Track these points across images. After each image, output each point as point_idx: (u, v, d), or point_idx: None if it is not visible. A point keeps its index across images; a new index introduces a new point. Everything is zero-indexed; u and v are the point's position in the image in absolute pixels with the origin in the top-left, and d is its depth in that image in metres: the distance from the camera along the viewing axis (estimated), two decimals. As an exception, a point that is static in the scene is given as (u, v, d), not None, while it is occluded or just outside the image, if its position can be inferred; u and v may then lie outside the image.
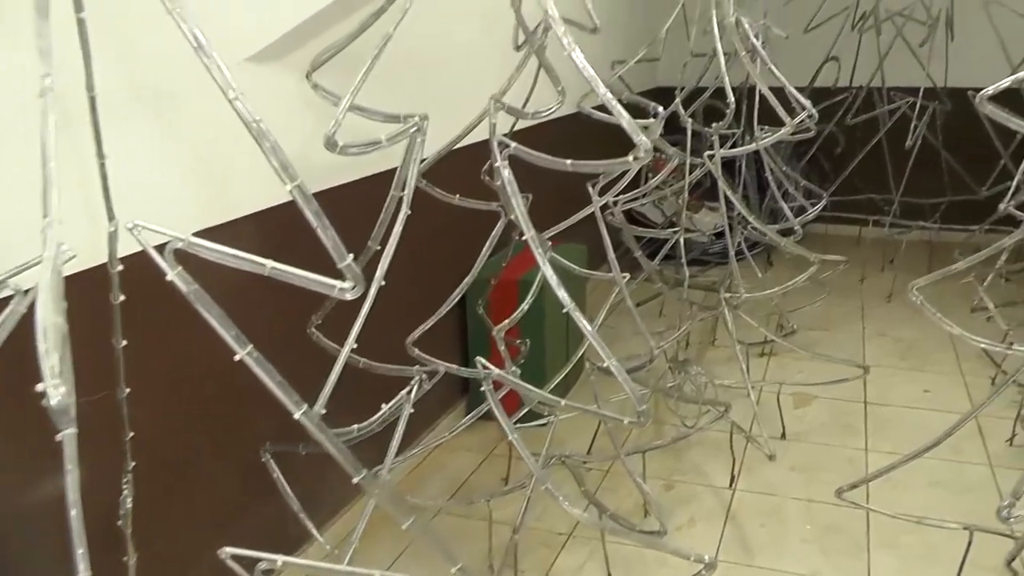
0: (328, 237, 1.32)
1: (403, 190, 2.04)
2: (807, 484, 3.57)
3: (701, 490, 3.53)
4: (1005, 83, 2.46)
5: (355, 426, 2.11)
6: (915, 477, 3.36)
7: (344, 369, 1.97)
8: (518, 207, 1.95)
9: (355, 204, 2.54)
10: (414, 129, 2.01)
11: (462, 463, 3.72)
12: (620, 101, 1.70)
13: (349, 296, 1.33)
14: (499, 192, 2.12)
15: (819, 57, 6.00)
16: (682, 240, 3.88)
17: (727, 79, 3.26)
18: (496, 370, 2.19)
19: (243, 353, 1.38)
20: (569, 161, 1.91)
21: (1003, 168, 5.59)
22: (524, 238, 1.97)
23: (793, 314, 5.03)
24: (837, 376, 4.32)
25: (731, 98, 3.26)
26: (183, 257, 1.34)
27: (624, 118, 1.62)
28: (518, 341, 3.37)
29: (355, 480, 1.52)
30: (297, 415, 1.43)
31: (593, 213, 3.16)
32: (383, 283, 1.94)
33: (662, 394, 3.97)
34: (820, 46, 5.98)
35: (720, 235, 5.44)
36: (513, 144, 2.02)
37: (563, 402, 2.17)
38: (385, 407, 2.19)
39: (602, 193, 3.10)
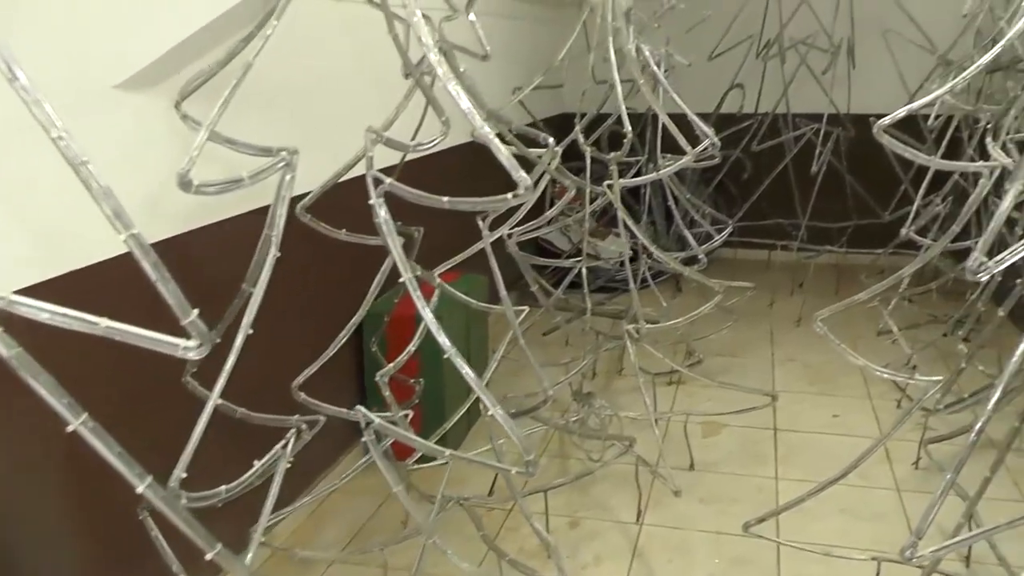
0: (169, 291, 1.20)
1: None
2: (716, 516, 3.50)
3: (607, 526, 3.44)
4: (901, 113, 2.46)
5: (223, 487, 1.97)
6: (824, 505, 3.32)
7: (224, 420, 1.84)
8: (394, 248, 1.85)
9: (245, 239, 2.41)
10: (282, 164, 1.89)
11: (360, 507, 3.56)
12: (509, 131, 1.64)
13: (193, 355, 1.21)
14: (379, 230, 2.02)
15: (724, 84, 6.06)
16: (584, 270, 3.82)
17: (623, 107, 3.21)
18: (376, 418, 2.07)
19: (76, 423, 1.24)
20: (446, 199, 1.82)
21: (904, 193, 5.66)
22: (402, 280, 1.86)
23: (701, 342, 5.00)
24: (747, 404, 4.28)
25: (628, 127, 3.21)
26: (5, 318, 1.20)
27: (502, 154, 1.54)
28: (412, 380, 3.25)
29: (208, 556, 1.39)
30: (140, 488, 1.30)
31: (496, 242, 3.09)
32: (251, 331, 1.81)
33: (565, 430, 3.89)
34: (725, 73, 6.04)
35: (630, 261, 5.40)
36: (388, 180, 1.92)
37: (447, 452, 2.06)
38: (258, 464, 2.05)
39: (499, 224, 3.01)
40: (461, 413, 3.23)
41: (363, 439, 2.14)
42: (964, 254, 4.63)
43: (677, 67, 4.71)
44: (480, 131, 1.58)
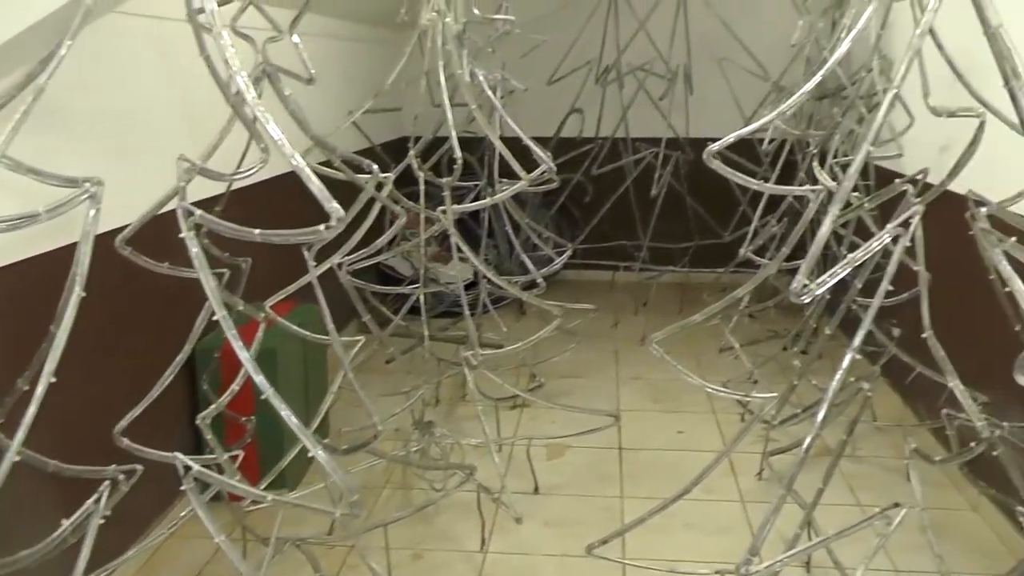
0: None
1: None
2: (562, 539, 3.49)
3: (452, 556, 3.38)
4: (729, 139, 2.51)
5: (24, 552, 1.83)
6: (671, 521, 3.35)
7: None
8: (207, 283, 1.76)
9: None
10: (85, 197, 1.77)
11: (197, 551, 3.37)
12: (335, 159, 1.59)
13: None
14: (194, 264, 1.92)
15: (564, 109, 6.13)
16: (423, 296, 3.77)
17: (454, 132, 3.19)
18: (196, 465, 1.97)
19: None
20: (257, 231, 1.74)
21: (743, 213, 5.85)
22: (216, 317, 1.78)
23: (545, 364, 5.00)
24: (591, 425, 4.30)
25: (458, 152, 3.19)
26: None
27: (314, 185, 1.49)
28: (244, 419, 3.12)
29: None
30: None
31: (329, 271, 3.01)
32: (54, 379, 1.69)
33: (404, 462, 3.82)
34: (565, 98, 6.10)
35: (471, 286, 5.37)
36: (198, 212, 1.83)
37: (270, 497, 1.98)
38: (66, 522, 1.92)
39: (331, 253, 2.94)
40: (294, 453, 3.10)
41: (182, 487, 2.02)
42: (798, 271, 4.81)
43: (516, 92, 4.73)
44: (290, 160, 1.52)
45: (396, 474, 3.88)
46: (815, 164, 3.51)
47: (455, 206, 3.52)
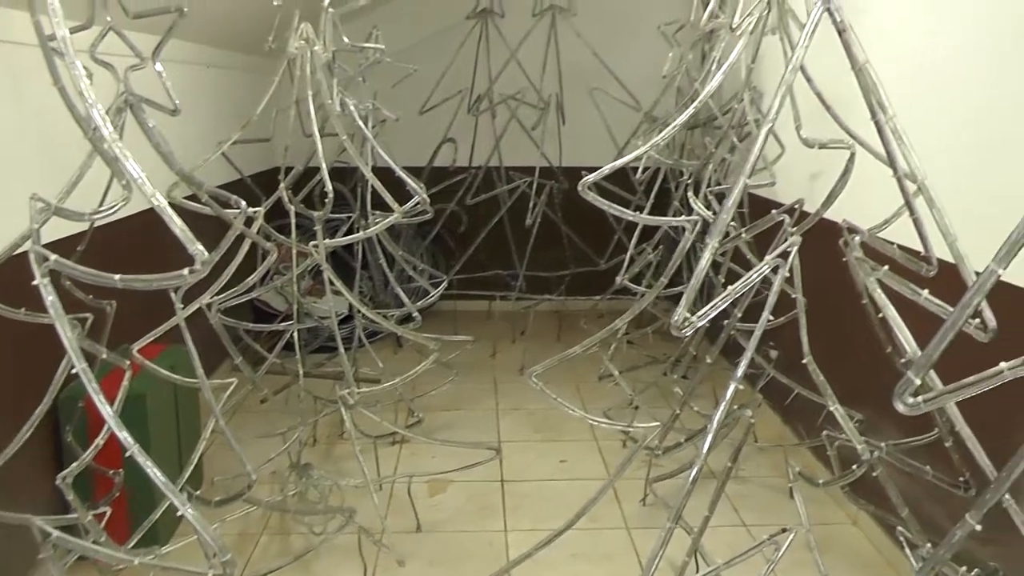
0: None
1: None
2: (446, 578, 3.41)
3: (333, 603, 3.27)
4: (605, 170, 2.51)
5: None
6: (556, 552, 3.26)
7: None
8: (63, 333, 1.63)
9: None
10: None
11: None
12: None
13: None
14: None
15: (437, 138, 6.09)
16: (296, 333, 3.65)
17: (323, 163, 3.10)
18: (55, 531, 1.82)
19: None
20: (118, 277, 1.63)
21: (619, 241, 5.90)
22: (75, 370, 1.65)
23: (424, 399, 4.92)
24: (472, 459, 4.23)
25: (328, 185, 3.10)
26: None
27: (177, 227, 1.40)
28: (111, 472, 2.94)
29: None
30: None
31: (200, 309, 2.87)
32: None
33: (281, 509, 3.68)
34: (437, 128, 6.07)
35: (346, 320, 5.27)
36: (53, 257, 1.70)
37: (136, 560, 1.84)
38: None
39: (201, 292, 2.80)
40: (163, 509, 2.92)
41: (40, 556, 1.87)
42: (677, 298, 4.87)
43: (388, 122, 4.66)
44: (151, 200, 1.42)
45: (274, 520, 3.73)
46: (690, 193, 3.55)
47: (327, 240, 3.42)
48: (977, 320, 1.72)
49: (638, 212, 5.07)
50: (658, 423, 3.62)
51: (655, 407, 4.90)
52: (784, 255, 2.18)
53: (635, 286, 4.90)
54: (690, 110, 2.62)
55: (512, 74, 6.12)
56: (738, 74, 4.27)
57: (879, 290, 2.06)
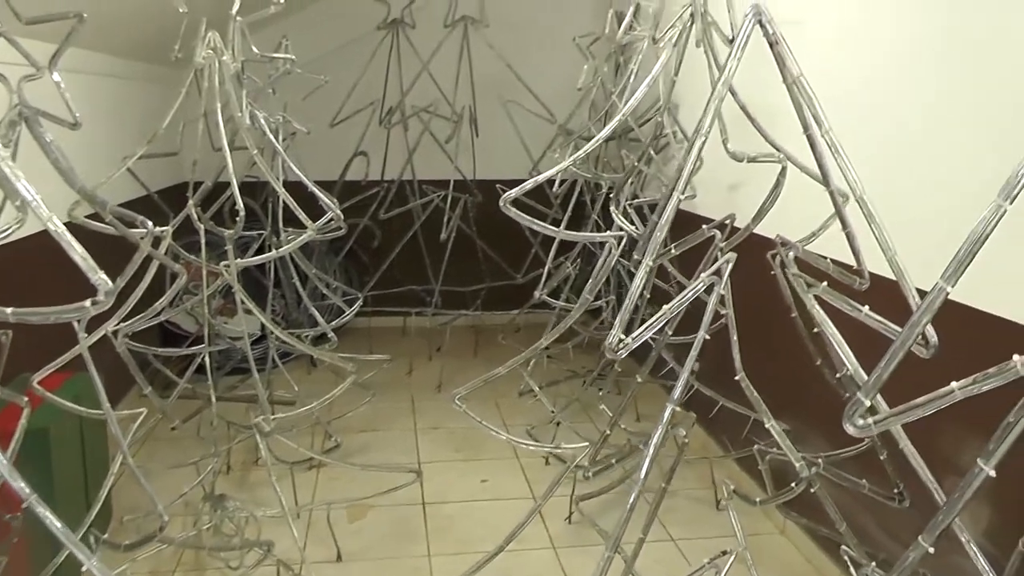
0: None
1: None
2: (371, 608, 3.29)
3: (252, 641, 3.12)
4: (527, 185, 2.45)
5: None
6: (483, 574, 3.20)
7: None
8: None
9: None
10: None
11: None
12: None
13: None
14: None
15: (348, 151, 5.95)
16: (208, 356, 3.49)
17: (234, 180, 2.96)
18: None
19: None
20: (10, 310, 1.49)
21: (536, 255, 5.84)
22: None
23: (340, 420, 4.77)
24: (392, 482, 4.11)
25: (239, 203, 2.96)
26: None
27: (77, 255, 1.27)
28: (8, 517, 2.73)
29: None
30: None
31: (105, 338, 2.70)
32: None
33: (195, 546, 3.51)
34: (349, 141, 5.94)
35: (259, 340, 5.09)
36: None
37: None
38: None
39: (106, 318, 2.63)
40: (65, 555, 2.73)
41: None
42: (596, 312, 4.82)
43: (299, 135, 4.52)
44: (47, 225, 1.29)
45: (188, 556, 3.55)
46: (612, 208, 3.50)
47: (238, 260, 3.27)
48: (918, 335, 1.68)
49: (556, 226, 5.08)
50: (586, 443, 3.55)
51: (577, 422, 4.85)
52: (718, 272, 2.12)
53: (554, 300, 4.85)
54: (613, 123, 2.56)
55: (424, 86, 6.02)
56: (654, 86, 4.25)
57: (816, 306, 2.02)
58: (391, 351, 5.53)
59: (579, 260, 5.30)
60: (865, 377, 1.85)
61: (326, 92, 5.39)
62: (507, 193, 2.36)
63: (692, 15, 2.76)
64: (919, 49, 2.70)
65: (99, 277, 1.24)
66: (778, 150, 2.52)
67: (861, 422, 1.44)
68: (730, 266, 2.13)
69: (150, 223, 2.08)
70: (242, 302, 3.45)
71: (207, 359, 3.50)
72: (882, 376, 1.44)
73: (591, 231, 5.16)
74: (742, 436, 3.64)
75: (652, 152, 4.39)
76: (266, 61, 3.90)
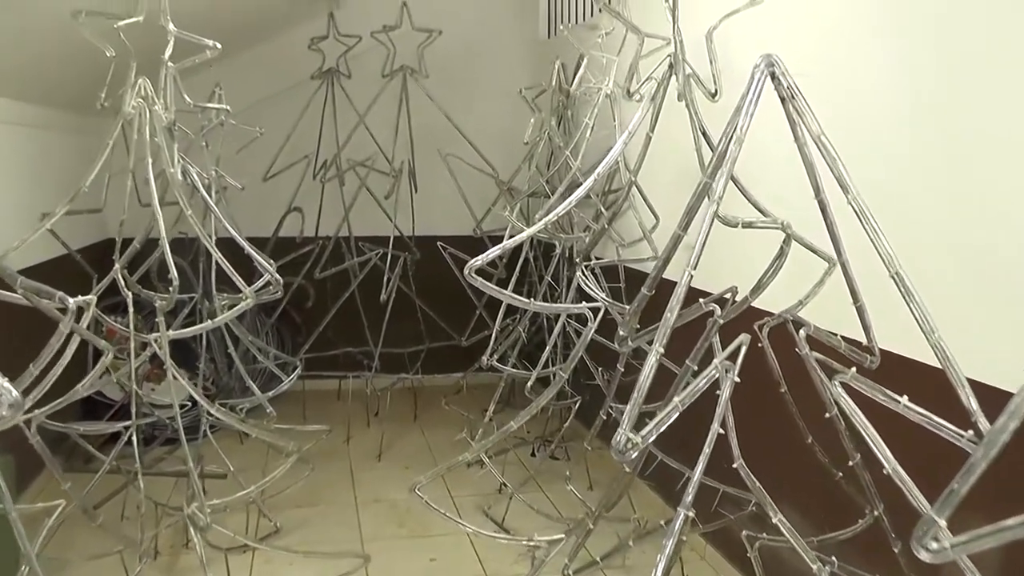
0: None
1: None
2: None
3: None
4: (494, 252, 2.23)
5: None
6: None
7: None
8: None
9: None
10: None
11: None
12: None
13: None
14: None
15: (282, 207, 5.66)
16: (135, 434, 3.17)
17: (167, 244, 2.69)
18: None
19: None
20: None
21: (480, 316, 5.61)
22: None
23: (276, 498, 4.41)
24: (335, 567, 3.80)
25: (174, 272, 2.69)
26: None
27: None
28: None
29: None
30: None
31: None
32: None
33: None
34: (282, 196, 5.66)
35: (193, 407, 4.75)
36: None
37: None
38: None
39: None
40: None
41: None
42: (544, 380, 4.58)
43: (230, 189, 4.24)
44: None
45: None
46: (579, 274, 3.27)
47: (170, 332, 2.98)
48: (970, 432, 1.49)
49: (501, 286, 4.87)
50: (561, 536, 3.29)
51: (524, 491, 4.58)
52: (734, 356, 1.91)
53: (503, 367, 4.62)
54: (588, 181, 2.35)
55: (361, 139, 5.78)
56: (598, 139, 4.11)
57: (844, 395, 1.81)
58: (327, 417, 5.24)
59: (528, 323, 5.08)
60: (905, 477, 1.65)
61: (258, 144, 5.12)
62: (472, 261, 2.13)
63: (671, 66, 2.57)
64: (953, 101, 2.51)
65: (3, 386, 0.97)
66: (762, 213, 2.34)
67: (935, 545, 1.22)
68: (744, 349, 1.91)
69: (69, 300, 1.79)
70: (172, 374, 3.15)
71: (134, 434, 3.18)
72: (959, 491, 1.22)
73: (541, 295, 4.93)
74: (711, 510, 3.41)
75: (602, 209, 4.21)
76: (199, 111, 3.64)
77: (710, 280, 2.42)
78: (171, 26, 2.74)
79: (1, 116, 3.90)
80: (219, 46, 2.82)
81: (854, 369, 1.85)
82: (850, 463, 2.17)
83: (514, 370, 4.72)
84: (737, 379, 1.89)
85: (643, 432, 1.51)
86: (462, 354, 5.75)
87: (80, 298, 1.98)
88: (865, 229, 1.65)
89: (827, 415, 2.00)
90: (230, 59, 5.93)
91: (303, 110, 5.67)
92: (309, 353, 5.87)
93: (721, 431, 1.92)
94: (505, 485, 4.47)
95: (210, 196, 3.92)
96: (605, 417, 3.33)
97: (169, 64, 2.85)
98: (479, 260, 2.15)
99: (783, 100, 1.71)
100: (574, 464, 4.97)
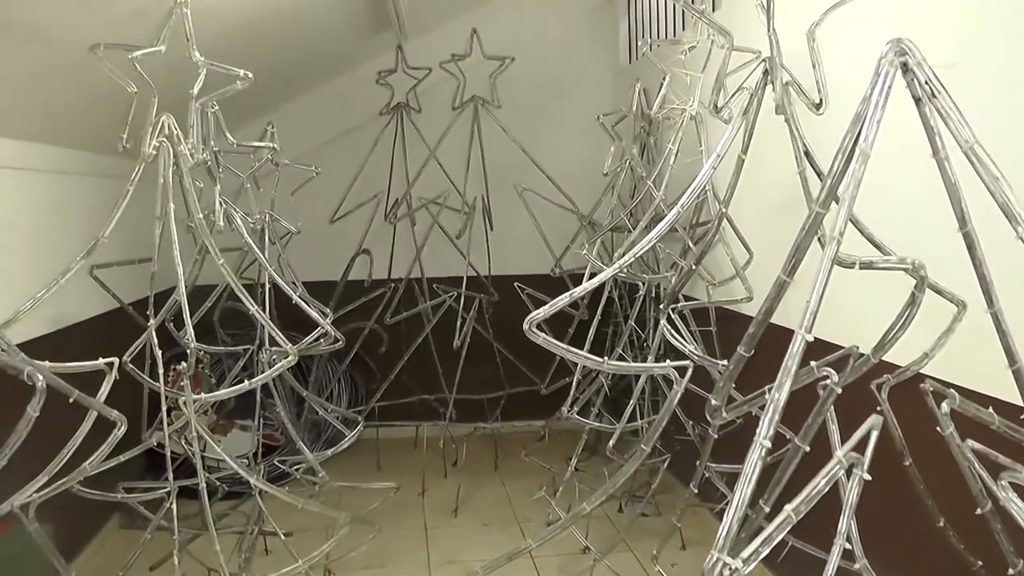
0: None
1: None
2: None
3: None
4: (561, 302, 1.90)
5: None
6: None
7: None
8: None
9: None
10: None
11: None
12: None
13: None
14: None
15: (351, 249, 5.39)
16: (174, 495, 2.89)
17: (184, 286, 2.40)
18: None
19: None
20: None
21: (561, 362, 5.23)
22: None
23: (341, 561, 4.08)
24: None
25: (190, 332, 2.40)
26: None
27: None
28: None
29: None
30: None
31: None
32: None
33: None
34: (352, 238, 5.39)
35: (257, 456, 4.49)
36: None
37: None
38: None
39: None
40: None
41: None
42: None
43: (290, 234, 3.99)
44: None
45: None
46: (663, 321, 2.91)
47: (205, 395, 2.72)
48: None
49: (582, 328, 4.51)
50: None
51: (614, 553, 4.18)
52: (862, 445, 1.51)
53: (583, 419, 4.25)
54: (672, 214, 2.00)
55: (432, 175, 5.51)
56: (683, 166, 3.76)
57: (1015, 500, 1.41)
58: (402, 467, 4.95)
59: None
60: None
61: (324, 186, 4.88)
62: (532, 315, 1.80)
63: (766, 73, 2.19)
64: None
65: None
66: (878, 248, 1.95)
67: None
68: (875, 436, 1.52)
69: (39, 378, 1.50)
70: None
71: (202, 490, 2.91)
72: None
73: (626, 339, 4.55)
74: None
75: (690, 244, 3.83)
76: (247, 151, 3.38)
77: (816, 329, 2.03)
78: (198, 55, 2.48)
79: (16, 161, 3.61)
80: (250, 75, 2.53)
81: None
82: (1010, 572, 1.75)
83: (596, 424, 4.35)
84: (868, 476, 1.50)
85: (745, 554, 1.15)
86: (543, 400, 5.40)
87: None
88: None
89: (978, 511, 1.60)
90: (298, 99, 5.75)
91: (372, 147, 5.43)
92: (383, 401, 5.60)
93: (848, 546, 1.52)
94: (589, 548, 4.08)
95: (263, 241, 3.67)
96: (696, 490, 2.93)
97: (198, 101, 2.58)
98: (540, 313, 1.83)
99: (918, 101, 1.33)
100: (665, 520, 4.56)
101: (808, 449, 1.63)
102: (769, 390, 1.85)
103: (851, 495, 1.50)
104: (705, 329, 3.96)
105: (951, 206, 1.41)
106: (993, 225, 1.40)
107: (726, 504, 3.31)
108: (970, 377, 2.07)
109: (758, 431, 1.26)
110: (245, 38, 3.87)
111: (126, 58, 2.45)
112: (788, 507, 1.33)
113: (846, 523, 1.50)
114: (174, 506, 2.88)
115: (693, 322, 3.86)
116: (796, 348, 1.30)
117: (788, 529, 1.29)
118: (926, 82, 1.33)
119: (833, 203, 1.38)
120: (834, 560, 1.47)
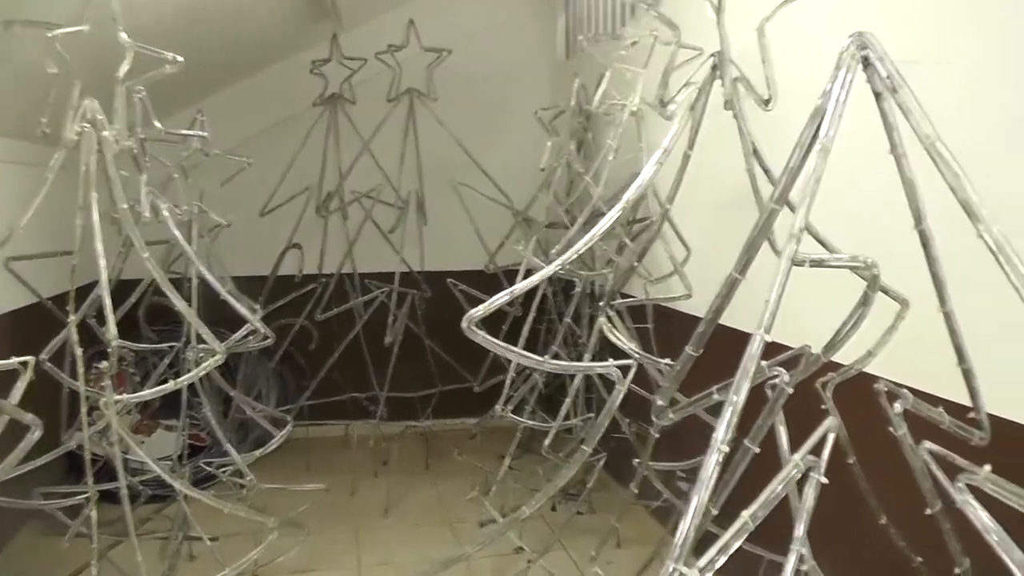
0: None
1: None
2: None
3: None
4: (500, 300, 1.84)
5: None
6: None
7: None
8: None
9: None
10: None
11: None
12: None
13: None
14: None
15: (281, 243, 5.26)
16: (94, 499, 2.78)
17: (106, 284, 2.29)
18: None
19: None
20: None
21: (495, 359, 5.16)
22: None
23: (269, 567, 3.97)
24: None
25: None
26: None
27: None
28: None
29: None
30: None
31: None
32: None
33: None
34: (282, 231, 5.27)
35: (182, 458, 4.35)
36: None
37: None
38: None
39: None
40: None
41: None
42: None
43: (220, 227, 3.87)
44: None
45: None
46: (602, 319, 2.86)
47: (129, 395, 2.61)
48: None
49: (516, 324, 4.45)
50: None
51: (549, 552, 4.14)
52: (818, 448, 1.47)
53: (517, 417, 4.20)
54: (615, 211, 1.95)
55: (366, 168, 5.41)
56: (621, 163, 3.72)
57: (972, 502, 1.38)
58: (332, 467, 4.85)
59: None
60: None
61: (255, 178, 4.76)
62: (471, 313, 1.74)
63: (714, 68, 2.15)
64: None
65: None
66: (825, 247, 1.92)
67: None
68: (832, 437, 1.48)
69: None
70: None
71: (125, 494, 2.79)
72: None
73: (561, 337, 4.50)
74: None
75: (627, 240, 3.80)
76: (176, 140, 3.26)
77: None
78: (124, 36, 2.36)
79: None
80: (180, 59, 2.43)
81: (988, 468, 1.42)
82: (956, 571, 1.73)
83: (531, 422, 4.30)
84: (824, 479, 1.46)
85: (701, 563, 1.11)
86: (477, 397, 5.33)
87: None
88: (1006, 272, 1.23)
89: (927, 511, 1.57)
90: (230, 88, 5.60)
91: (304, 139, 5.31)
92: (313, 399, 5.49)
93: (803, 551, 1.48)
94: (523, 548, 4.03)
95: (191, 234, 3.54)
96: (637, 491, 2.89)
97: (126, 82, 2.46)
98: (479, 311, 1.77)
99: (878, 96, 1.29)
100: (599, 519, 4.53)
101: (759, 450, 1.59)
102: (718, 391, 1.81)
103: (807, 499, 1.47)
104: (641, 326, 3.93)
105: (907, 203, 1.38)
106: (953, 224, 1.37)
107: (664, 503, 3.29)
108: (920, 377, 2.05)
109: (715, 435, 1.21)
110: (179, 21, 3.74)
111: (46, 36, 2.33)
112: (745, 513, 1.29)
113: (803, 528, 1.47)
114: (94, 512, 2.75)
115: (630, 319, 3.83)
116: (755, 349, 1.26)
117: (745, 536, 1.25)
118: (887, 76, 1.29)
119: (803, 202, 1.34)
120: (790, 569, 1.43)
